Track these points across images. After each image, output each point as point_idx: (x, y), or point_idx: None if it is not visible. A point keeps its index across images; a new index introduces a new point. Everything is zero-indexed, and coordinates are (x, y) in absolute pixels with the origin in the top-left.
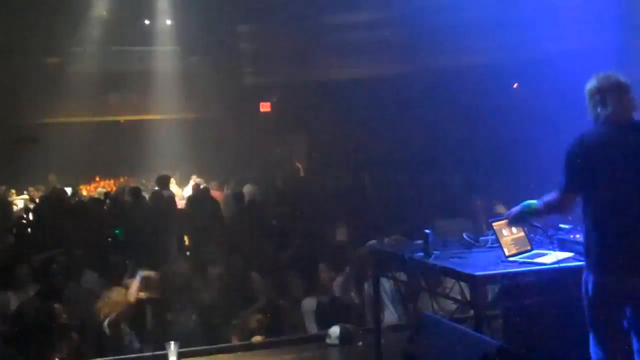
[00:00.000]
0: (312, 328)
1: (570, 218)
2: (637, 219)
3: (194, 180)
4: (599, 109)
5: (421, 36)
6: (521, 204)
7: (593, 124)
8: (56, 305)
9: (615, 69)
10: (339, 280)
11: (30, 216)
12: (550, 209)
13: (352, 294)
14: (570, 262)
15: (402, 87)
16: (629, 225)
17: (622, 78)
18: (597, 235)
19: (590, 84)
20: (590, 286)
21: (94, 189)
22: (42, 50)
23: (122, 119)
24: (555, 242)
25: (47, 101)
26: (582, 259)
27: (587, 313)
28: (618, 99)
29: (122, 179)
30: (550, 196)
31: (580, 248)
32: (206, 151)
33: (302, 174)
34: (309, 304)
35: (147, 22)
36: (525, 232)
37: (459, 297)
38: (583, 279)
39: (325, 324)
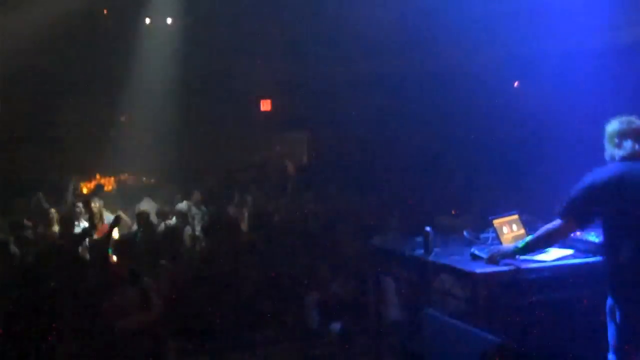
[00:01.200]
0: (314, 323)
1: None
2: None
3: None
4: (615, 150)
5: (421, 35)
6: (514, 246)
7: (608, 162)
8: None
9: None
10: (340, 280)
11: None
12: (552, 240)
13: (353, 291)
14: (570, 259)
15: (403, 86)
16: None
17: None
18: (624, 262)
19: (612, 126)
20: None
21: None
22: None
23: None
24: None
25: None
26: (585, 254)
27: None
28: (635, 143)
29: (122, 177)
30: (552, 226)
31: (580, 245)
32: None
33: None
34: (311, 299)
35: (147, 20)
36: (525, 230)
37: (459, 294)
38: (608, 304)
39: (326, 320)
